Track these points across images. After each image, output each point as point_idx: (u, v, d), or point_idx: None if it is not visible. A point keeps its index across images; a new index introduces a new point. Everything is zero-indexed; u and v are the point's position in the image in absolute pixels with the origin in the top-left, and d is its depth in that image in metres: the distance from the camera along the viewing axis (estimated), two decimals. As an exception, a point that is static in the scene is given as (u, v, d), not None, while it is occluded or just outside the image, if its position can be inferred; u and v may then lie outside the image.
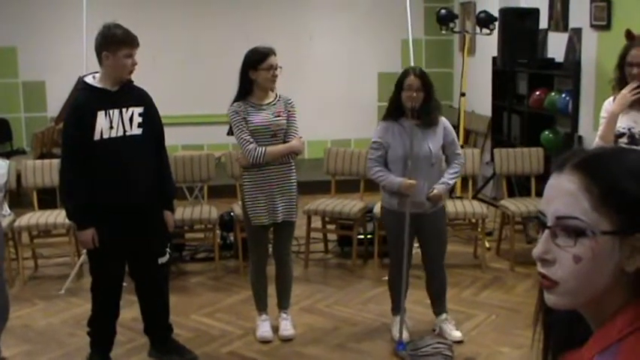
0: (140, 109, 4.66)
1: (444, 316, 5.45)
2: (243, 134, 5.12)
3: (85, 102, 4.59)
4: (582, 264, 1.26)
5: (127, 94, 4.66)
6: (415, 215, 5.11)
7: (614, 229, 1.25)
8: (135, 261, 4.86)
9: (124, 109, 4.60)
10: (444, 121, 5.24)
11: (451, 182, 5.27)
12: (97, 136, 4.53)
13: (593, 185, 1.26)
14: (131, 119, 4.62)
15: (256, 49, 5.16)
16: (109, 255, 4.69)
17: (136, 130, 4.63)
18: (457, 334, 5.34)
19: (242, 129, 5.12)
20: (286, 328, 5.48)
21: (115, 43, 4.53)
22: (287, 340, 5.41)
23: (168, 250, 4.97)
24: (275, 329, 5.49)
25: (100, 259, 4.75)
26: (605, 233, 1.25)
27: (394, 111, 5.13)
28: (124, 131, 4.59)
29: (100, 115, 4.53)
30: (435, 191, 5.14)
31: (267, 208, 5.22)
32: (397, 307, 5.35)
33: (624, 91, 4.54)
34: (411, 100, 5.01)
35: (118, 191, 4.60)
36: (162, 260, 4.89)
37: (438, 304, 5.48)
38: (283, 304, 5.57)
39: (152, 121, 4.74)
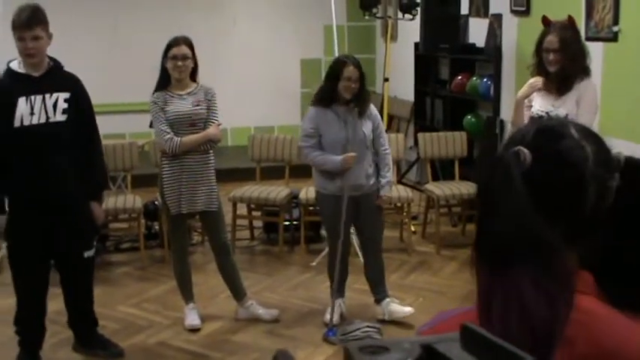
0: (66, 95, 4.51)
1: (388, 299, 5.47)
2: (160, 125, 5.11)
3: (5, 88, 4.45)
4: None
5: (53, 79, 4.52)
6: (352, 198, 5.16)
7: None
8: (60, 253, 4.73)
9: (47, 95, 4.45)
10: (372, 107, 5.32)
11: (391, 179, 5.44)
12: (17, 123, 4.38)
13: None
14: (55, 105, 4.47)
15: (173, 38, 5.13)
16: (29, 246, 4.55)
17: (60, 117, 4.48)
18: (408, 309, 5.41)
19: (160, 120, 5.11)
20: (265, 311, 5.50)
21: (12, 26, 4.43)
22: (275, 321, 5.46)
23: (94, 243, 4.86)
24: (253, 320, 5.47)
25: (20, 252, 4.61)
26: None
27: (328, 99, 5.13)
28: (47, 117, 4.44)
29: (21, 100, 4.39)
30: (384, 197, 5.32)
31: (186, 197, 5.18)
32: (336, 291, 5.37)
33: (534, 80, 4.68)
34: (350, 91, 5.05)
35: (40, 179, 4.45)
36: (88, 254, 4.76)
37: (381, 289, 5.48)
38: (239, 294, 5.53)
39: (80, 108, 4.59)
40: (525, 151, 1.24)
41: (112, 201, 6.76)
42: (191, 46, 5.11)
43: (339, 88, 5.06)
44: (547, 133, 1.30)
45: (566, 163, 1.25)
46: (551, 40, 4.60)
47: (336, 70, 5.10)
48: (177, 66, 5.06)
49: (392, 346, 0.70)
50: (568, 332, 1.13)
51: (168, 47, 5.06)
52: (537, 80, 4.67)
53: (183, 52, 5.06)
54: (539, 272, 1.14)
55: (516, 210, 1.18)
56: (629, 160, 1.27)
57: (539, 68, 4.72)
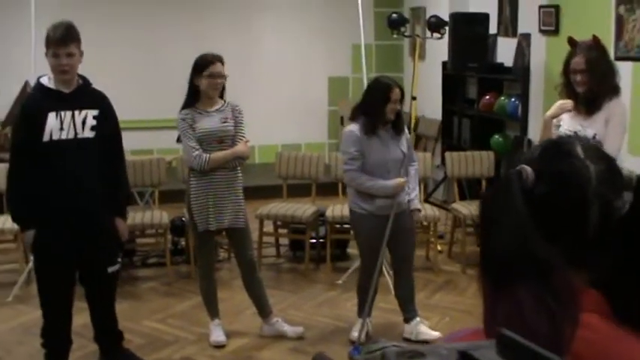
0: (95, 112, 4.55)
1: (418, 319, 5.44)
2: (189, 141, 5.13)
3: (36, 103, 4.50)
4: None
5: (83, 96, 4.56)
6: (388, 217, 5.13)
7: None
8: (84, 268, 4.75)
9: (77, 112, 4.49)
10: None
11: (418, 194, 5.48)
12: (46, 137, 4.42)
13: None
14: (84, 122, 4.50)
15: (203, 55, 5.17)
16: (54, 260, 4.58)
17: (89, 133, 4.52)
18: (436, 334, 5.40)
19: (188, 136, 5.13)
20: (290, 329, 5.50)
21: (46, 42, 4.47)
22: (300, 338, 5.46)
23: (119, 259, 4.87)
24: (279, 337, 5.47)
25: (45, 265, 4.63)
26: None
27: (375, 123, 5.12)
28: (75, 134, 4.48)
29: (51, 116, 4.42)
30: (417, 212, 5.40)
31: (214, 213, 5.20)
32: (363, 311, 5.34)
33: (560, 102, 4.66)
34: (394, 112, 5.12)
35: (66, 194, 4.47)
36: (112, 269, 4.77)
37: (411, 308, 5.45)
38: (265, 310, 5.53)
39: (107, 125, 4.63)
40: (528, 169, 1.24)
41: (139, 216, 6.79)
42: (223, 64, 5.16)
43: (386, 111, 5.10)
44: (551, 152, 1.29)
45: (567, 183, 1.23)
46: (578, 61, 4.58)
47: (385, 93, 5.09)
48: (216, 84, 5.11)
49: (429, 352, 0.70)
50: (577, 350, 1.12)
51: (205, 65, 5.09)
52: (567, 102, 4.64)
53: (219, 70, 5.11)
54: (540, 290, 1.14)
55: (515, 228, 1.19)
56: None
57: (568, 89, 4.69)
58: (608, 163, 1.26)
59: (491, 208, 1.27)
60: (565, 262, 1.18)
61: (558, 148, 1.29)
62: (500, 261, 1.20)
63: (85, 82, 4.64)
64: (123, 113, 4.92)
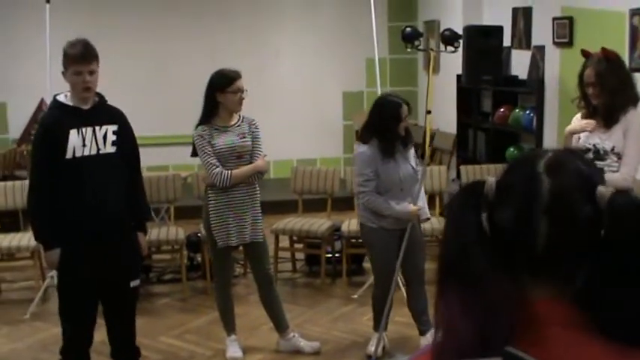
0: (114, 127, 4.55)
1: (432, 331, 5.40)
2: (209, 158, 5.11)
3: (56, 120, 4.49)
4: None
5: (101, 111, 4.56)
6: (400, 231, 5.13)
7: None
8: (106, 284, 4.74)
9: (97, 127, 4.48)
10: None
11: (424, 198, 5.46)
12: (69, 155, 4.40)
13: None
14: (105, 137, 4.50)
15: (223, 71, 5.16)
16: (79, 278, 4.57)
17: (110, 149, 4.51)
18: None
19: (208, 153, 5.11)
20: (307, 344, 5.49)
21: (66, 60, 4.44)
22: (316, 353, 5.46)
23: (139, 273, 4.88)
24: (295, 352, 5.47)
25: (70, 283, 4.63)
26: None
27: (393, 144, 5.11)
28: (98, 149, 4.47)
29: (73, 132, 4.41)
30: (428, 220, 5.50)
31: (234, 229, 5.19)
32: (378, 325, 5.32)
33: (583, 121, 4.63)
34: (404, 129, 5.13)
35: (90, 210, 4.47)
36: (134, 284, 4.77)
37: (425, 320, 5.41)
38: (281, 325, 5.52)
39: (126, 140, 4.64)
40: (490, 180, 1.26)
41: (155, 232, 6.80)
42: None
43: (399, 129, 5.10)
44: (512, 164, 1.30)
45: (513, 196, 1.23)
46: (589, 73, 4.53)
47: (396, 112, 5.09)
48: (241, 99, 5.13)
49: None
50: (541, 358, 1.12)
51: (230, 81, 5.09)
52: (589, 123, 4.59)
53: (242, 85, 5.13)
54: (469, 296, 1.16)
55: (461, 234, 1.22)
56: (614, 198, 1.20)
57: (585, 101, 4.65)
58: (574, 177, 1.23)
59: (450, 211, 1.29)
60: (521, 273, 1.21)
61: (519, 160, 1.31)
62: (443, 262, 1.23)
63: (102, 99, 4.65)
64: (138, 130, 4.92)
